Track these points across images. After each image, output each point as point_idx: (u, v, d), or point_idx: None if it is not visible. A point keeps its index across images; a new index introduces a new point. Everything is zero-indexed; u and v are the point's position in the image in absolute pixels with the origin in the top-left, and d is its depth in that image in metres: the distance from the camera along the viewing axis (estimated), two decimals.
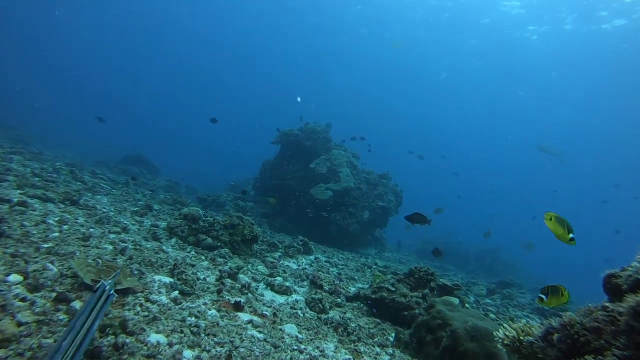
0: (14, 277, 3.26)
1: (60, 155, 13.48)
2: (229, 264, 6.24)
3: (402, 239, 18.54)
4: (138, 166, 17.97)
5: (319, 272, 7.59)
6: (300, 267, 7.96)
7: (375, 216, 14.38)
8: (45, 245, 4.21)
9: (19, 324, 2.64)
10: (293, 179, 13.84)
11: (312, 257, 9.37)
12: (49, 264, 3.73)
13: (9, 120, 20.34)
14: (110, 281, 1.94)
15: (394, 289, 6.17)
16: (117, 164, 17.27)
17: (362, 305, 6.22)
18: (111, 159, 18.30)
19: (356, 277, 8.54)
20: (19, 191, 6.42)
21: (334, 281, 7.15)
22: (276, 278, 6.34)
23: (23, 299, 2.98)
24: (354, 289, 7.14)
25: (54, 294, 3.16)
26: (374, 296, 6.06)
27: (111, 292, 1.92)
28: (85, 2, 39.08)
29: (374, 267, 10.54)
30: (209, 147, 51.45)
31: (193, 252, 6.35)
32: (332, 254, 10.72)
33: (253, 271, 6.44)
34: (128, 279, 3.91)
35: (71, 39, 50.41)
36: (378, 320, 5.56)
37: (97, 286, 1.88)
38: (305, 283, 6.78)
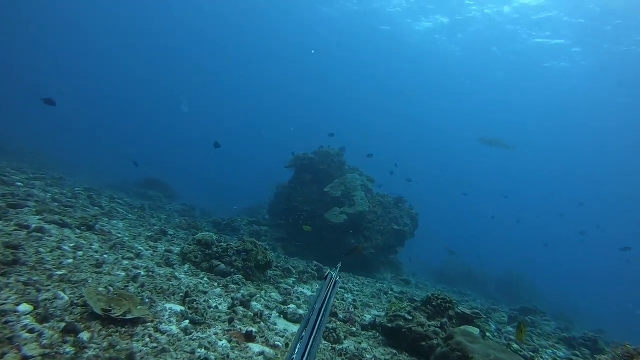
0: (24, 307, 3.24)
1: (80, 181, 13.76)
2: (242, 291, 6.13)
3: (414, 256, 18.02)
4: (156, 190, 18.22)
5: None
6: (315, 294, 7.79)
7: (391, 240, 14.16)
8: (59, 273, 4.21)
9: (25, 358, 2.58)
10: (307, 203, 13.78)
11: None
12: (61, 293, 3.71)
13: (29, 140, 20.98)
14: (336, 271, 2.24)
15: (410, 318, 5.94)
16: (136, 188, 17.54)
17: (378, 334, 6.00)
18: (130, 183, 18.61)
19: (372, 303, 8.31)
20: (37, 217, 6.51)
21: (348, 309, 6.95)
22: (289, 306, 6.19)
23: (31, 331, 2.93)
24: (370, 317, 6.91)
25: (62, 325, 3.11)
26: (390, 325, 5.85)
27: (337, 279, 2.19)
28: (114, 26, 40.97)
29: (390, 292, 10.27)
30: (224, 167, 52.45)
31: (206, 279, 6.28)
32: (347, 279, 10.51)
33: (266, 298, 6.31)
34: (138, 307, 3.85)
35: (103, 63, 52.74)
36: (395, 351, 5.33)
37: (326, 274, 2.12)
38: None
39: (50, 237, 5.62)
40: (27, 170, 11.88)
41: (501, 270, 22.84)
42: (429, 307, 6.64)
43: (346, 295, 8.43)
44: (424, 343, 5.46)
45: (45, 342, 2.84)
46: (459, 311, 6.88)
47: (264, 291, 6.74)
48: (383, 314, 7.07)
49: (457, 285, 19.56)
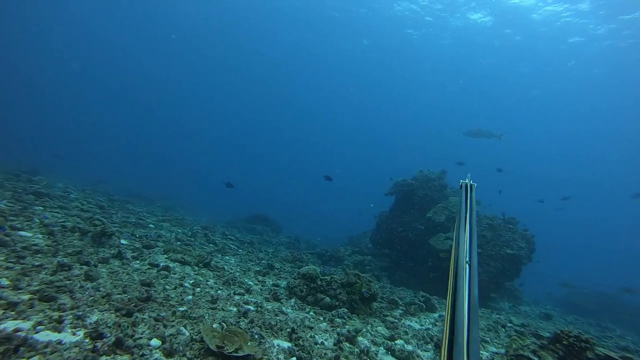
0: (155, 342, 3.61)
1: (197, 220, 15.32)
2: (347, 326, 6.06)
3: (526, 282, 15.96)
4: (262, 224, 19.42)
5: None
6: (424, 328, 7.35)
7: (505, 266, 12.89)
8: (181, 309, 4.65)
9: None
10: (409, 230, 13.36)
11: (436, 315, 8.62)
12: (183, 328, 4.07)
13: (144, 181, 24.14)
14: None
15: (536, 359, 5.23)
16: (243, 224, 18.93)
17: None
18: (238, 219, 20.16)
19: (488, 338, 7.53)
20: (165, 256, 7.36)
21: None
22: (397, 341, 5.92)
23: None
24: (487, 355, 6.27)
25: (184, 359, 3.40)
26: None
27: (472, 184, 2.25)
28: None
29: (509, 325, 9.22)
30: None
31: (312, 313, 6.36)
32: None
33: (372, 333, 6.14)
34: (249, 344, 4.03)
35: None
36: None
37: (461, 183, 2.23)
38: (429, 347, 6.19)
39: (174, 274, 6.28)
40: (157, 213, 13.64)
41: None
42: (559, 346, 5.77)
43: None
44: None
45: None
46: (600, 353, 5.86)
47: (369, 325, 6.57)
48: (503, 351, 6.35)
49: (593, 315, 16.77)
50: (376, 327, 6.60)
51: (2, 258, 4.84)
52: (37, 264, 4.89)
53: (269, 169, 68.66)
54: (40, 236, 6.19)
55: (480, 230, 12.79)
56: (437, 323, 7.92)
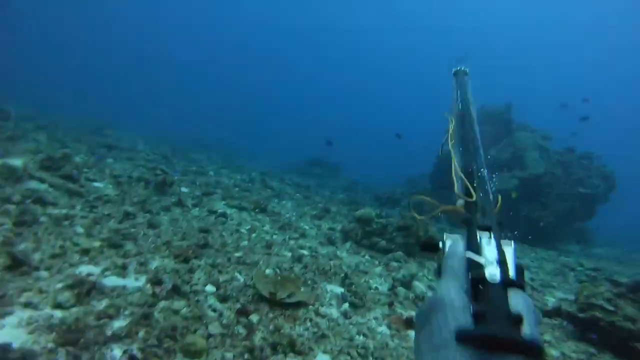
0: (210, 288, 3.77)
1: (257, 165, 15.70)
2: (403, 270, 5.98)
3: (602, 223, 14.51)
4: (320, 168, 19.55)
5: None
6: None
7: (576, 205, 11.93)
8: (236, 255, 4.81)
9: (209, 336, 2.99)
10: None
11: None
12: (237, 274, 4.21)
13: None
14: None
15: (612, 309, 4.80)
16: (302, 167, 19.17)
17: (565, 323, 5.07)
18: (298, 163, 20.40)
19: (555, 283, 7.13)
20: (223, 202, 7.63)
21: None
22: None
23: (214, 310, 3.39)
24: (553, 300, 5.95)
25: (237, 305, 3.52)
26: (581, 315, 4.85)
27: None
28: None
29: (579, 269, 8.64)
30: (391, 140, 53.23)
31: (367, 257, 6.34)
32: (523, 254, 9.29)
33: (429, 278, 6.02)
34: (302, 290, 4.09)
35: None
36: (592, 350, 4.40)
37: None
38: None
39: (232, 220, 6.50)
40: (218, 160, 14.16)
41: None
42: None
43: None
44: (638, 344, 4.34)
45: (224, 321, 3.24)
46: None
47: (426, 269, 6.45)
48: (572, 297, 5.96)
49: None
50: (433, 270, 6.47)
51: (79, 207, 5.25)
52: (106, 212, 5.26)
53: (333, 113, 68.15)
54: (110, 186, 6.63)
55: (549, 168, 11.76)
56: None
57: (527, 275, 7.27)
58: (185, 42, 62.79)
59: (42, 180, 5.76)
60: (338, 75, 67.02)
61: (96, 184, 6.57)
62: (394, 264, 6.18)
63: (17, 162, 6.02)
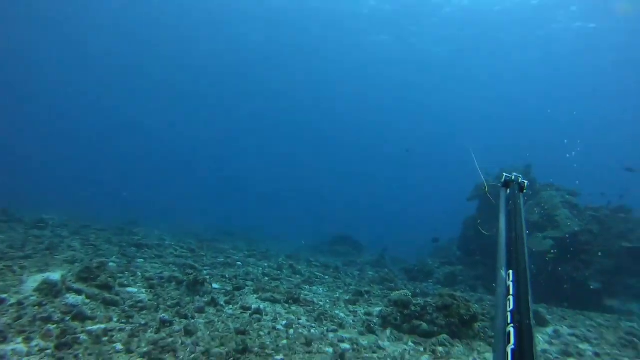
0: None
1: (282, 248, 15.68)
2: (451, 356, 5.61)
3: None
4: (344, 246, 19.37)
5: (566, 357, 6.08)
6: (540, 349, 6.56)
7: (624, 261, 11.31)
8: (277, 358, 4.61)
9: None
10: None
11: (549, 330, 7.69)
12: None
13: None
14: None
15: None
16: (327, 247, 19.02)
17: None
18: (322, 242, 20.30)
19: (626, 358, 6.49)
20: (255, 296, 7.51)
21: None
22: None
23: None
24: None
25: None
26: None
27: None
28: None
29: None
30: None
31: (411, 343, 6.00)
32: (576, 321, 8.61)
33: None
34: None
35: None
36: None
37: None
38: None
39: (267, 316, 6.33)
40: (243, 248, 14.21)
41: None
42: None
43: (581, 346, 6.83)
44: None
45: None
46: None
47: (475, 352, 6.03)
48: None
49: None
50: (483, 354, 6.02)
51: (115, 319, 5.23)
52: (143, 322, 5.21)
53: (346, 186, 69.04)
54: (144, 290, 6.65)
55: (584, 224, 11.39)
56: (552, 340, 7.05)
57: (589, 349, 6.70)
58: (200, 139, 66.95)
59: (79, 292, 5.84)
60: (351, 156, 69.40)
61: (130, 289, 6.60)
62: (440, 349, 5.81)
63: (55, 275, 6.18)
